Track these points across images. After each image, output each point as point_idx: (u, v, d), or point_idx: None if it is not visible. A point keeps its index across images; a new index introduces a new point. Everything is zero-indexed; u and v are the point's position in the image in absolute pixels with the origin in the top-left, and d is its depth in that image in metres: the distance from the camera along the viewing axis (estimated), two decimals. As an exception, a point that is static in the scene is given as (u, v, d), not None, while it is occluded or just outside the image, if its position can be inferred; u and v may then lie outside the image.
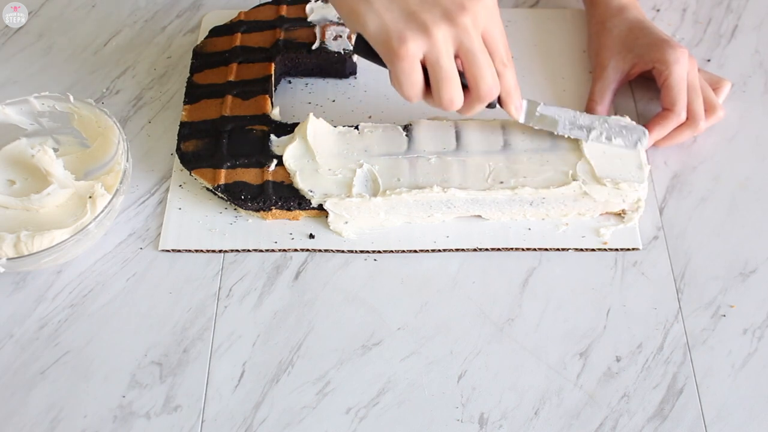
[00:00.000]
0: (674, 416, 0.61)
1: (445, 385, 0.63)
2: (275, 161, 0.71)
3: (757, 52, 0.85)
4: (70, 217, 0.69)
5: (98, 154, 0.73)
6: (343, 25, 0.81)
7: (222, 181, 0.70)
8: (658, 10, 0.89)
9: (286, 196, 0.69)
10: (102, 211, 0.66)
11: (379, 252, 0.70)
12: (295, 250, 0.70)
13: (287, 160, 0.71)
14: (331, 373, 0.63)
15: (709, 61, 0.84)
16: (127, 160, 0.69)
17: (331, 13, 0.82)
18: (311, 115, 0.72)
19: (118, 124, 0.71)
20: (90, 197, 0.67)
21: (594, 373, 0.63)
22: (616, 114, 0.76)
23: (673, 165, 0.76)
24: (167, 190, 0.74)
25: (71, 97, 0.72)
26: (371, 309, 0.67)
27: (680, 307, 0.67)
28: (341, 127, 0.73)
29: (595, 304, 0.67)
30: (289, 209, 0.70)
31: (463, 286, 0.68)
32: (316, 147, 0.71)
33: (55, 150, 0.73)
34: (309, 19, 0.81)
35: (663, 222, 0.72)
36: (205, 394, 0.63)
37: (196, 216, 0.72)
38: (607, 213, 0.71)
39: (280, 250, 0.70)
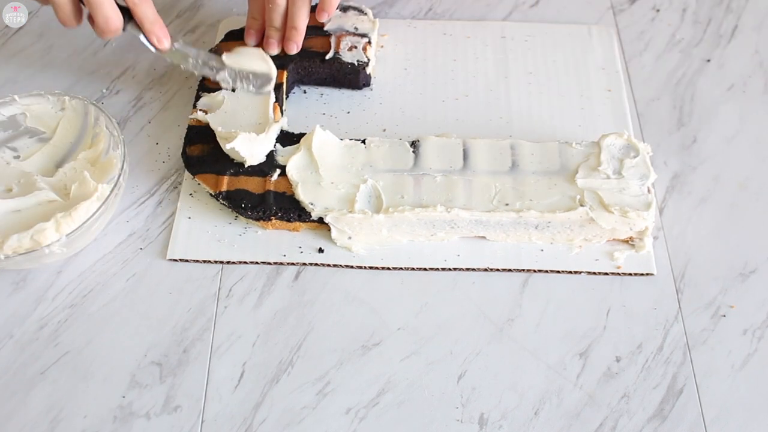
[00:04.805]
0: (674, 416, 0.61)
1: (445, 385, 0.63)
2: (278, 171, 0.71)
3: (757, 52, 0.85)
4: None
5: (63, 141, 0.73)
6: (359, 35, 0.81)
7: (224, 188, 0.70)
8: (658, 10, 0.89)
9: (287, 207, 0.69)
10: (114, 178, 0.67)
11: (388, 269, 0.69)
12: (304, 264, 0.69)
13: (290, 171, 0.70)
14: (331, 373, 0.63)
15: (709, 61, 0.84)
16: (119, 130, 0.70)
17: (347, 23, 0.82)
18: (318, 126, 0.72)
19: (113, 120, 0.71)
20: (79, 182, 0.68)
21: (594, 373, 0.63)
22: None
23: (673, 165, 0.76)
24: (167, 190, 0.74)
25: (16, 97, 0.72)
26: (371, 309, 0.67)
27: (680, 307, 0.67)
28: (348, 141, 0.72)
29: (595, 304, 0.67)
30: (289, 220, 0.70)
31: (463, 286, 0.68)
32: (320, 159, 0.70)
33: (17, 157, 0.73)
34: (325, 28, 0.81)
35: (663, 222, 0.72)
36: (205, 394, 0.63)
37: (206, 226, 0.71)
38: (614, 240, 0.70)
39: (288, 264, 0.69)
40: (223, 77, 0.74)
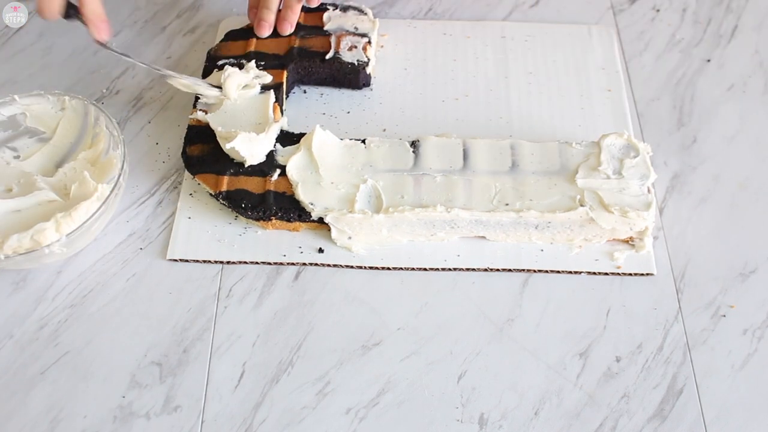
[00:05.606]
0: (674, 416, 0.61)
1: (445, 385, 0.63)
2: (278, 171, 0.71)
3: (757, 52, 0.85)
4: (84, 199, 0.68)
5: (63, 141, 0.73)
6: (359, 35, 0.81)
7: (224, 188, 0.70)
8: (658, 10, 0.89)
9: (287, 207, 0.69)
10: (114, 178, 0.67)
11: (388, 269, 0.69)
12: (304, 264, 0.69)
13: (290, 171, 0.70)
14: (331, 373, 0.63)
15: (709, 61, 0.84)
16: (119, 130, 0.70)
17: (347, 23, 0.82)
18: (318, 126, 0.72)
19: (113, 120, 0.71)
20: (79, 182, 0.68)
21: (594, 373, 0.63)
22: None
23: (673, 165, 0.76)
24: (167, 190, 0.74)
25: (16, 97, 0.72)
26: (371, 309, 0.67)
27: (680, 307, 0.67)
28: (348, 141, 0.72)
29: (595, 304, 0.67)
30: (289, 220, 0.70)
31: (463, 286, 0.68)
32: (320, 159, 0.70)
33: (17, 157, 0.73)
34: (326, 28, 0.81)
35: (663, 222, 0.72)
36: (205, 395, 0.63)
37: (206, 226, 0.71)
38: (614, 240, 0.70)
39: (288, 264, 0.69)
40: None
